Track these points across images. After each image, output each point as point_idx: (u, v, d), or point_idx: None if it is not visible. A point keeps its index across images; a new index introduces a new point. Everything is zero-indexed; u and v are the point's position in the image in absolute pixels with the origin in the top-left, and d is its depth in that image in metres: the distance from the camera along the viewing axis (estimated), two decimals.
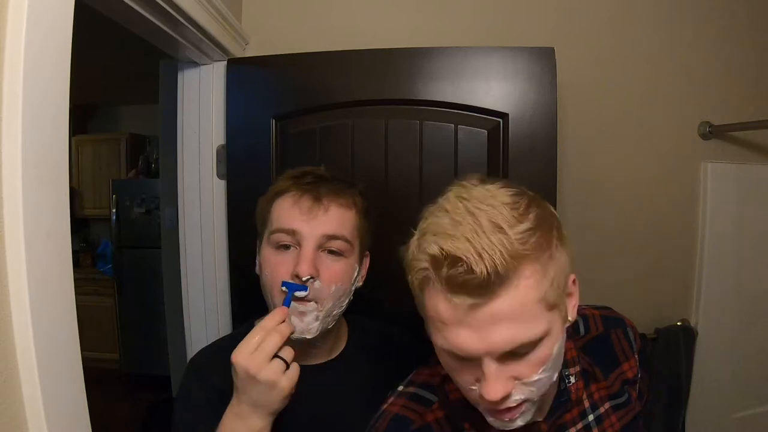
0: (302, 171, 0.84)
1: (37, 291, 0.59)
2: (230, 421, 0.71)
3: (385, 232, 1.26)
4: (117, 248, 3.60)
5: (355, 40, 1.37)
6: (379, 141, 1.25)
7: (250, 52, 1.41)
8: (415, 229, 0.59)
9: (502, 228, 0.51)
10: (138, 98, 3.79)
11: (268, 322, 0.72)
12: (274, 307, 0.77)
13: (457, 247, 0.51)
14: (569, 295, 0.60)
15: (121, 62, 2.84)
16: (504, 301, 0.51)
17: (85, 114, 4.10)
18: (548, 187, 1.20)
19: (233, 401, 0.71)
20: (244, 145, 1.30)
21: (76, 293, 0.68)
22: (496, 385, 0.53)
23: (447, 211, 0.56)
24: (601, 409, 0.70)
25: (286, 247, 0.79)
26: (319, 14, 1.45)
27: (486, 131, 1.24)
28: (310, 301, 0.77)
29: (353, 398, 0.85)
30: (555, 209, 0.62)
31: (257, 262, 0.85)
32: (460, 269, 0.50)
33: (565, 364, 0.67)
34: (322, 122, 1.28)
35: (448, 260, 0.51)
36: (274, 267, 0.79)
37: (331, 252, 0.79)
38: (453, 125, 1.24)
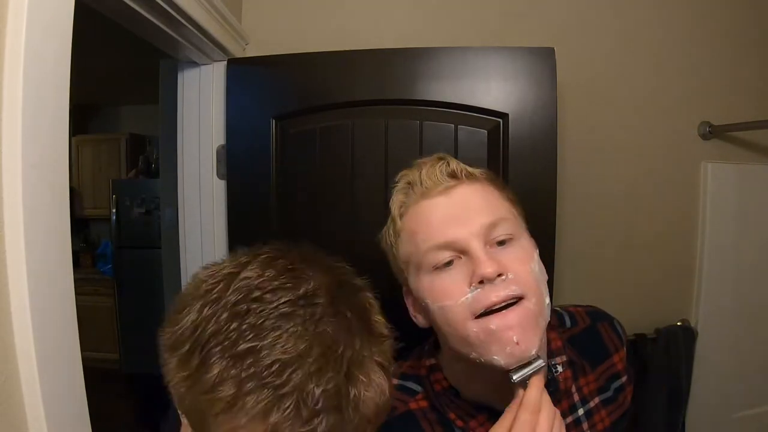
0: None
1: (37, 291, 0.59)
2: None
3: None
4: (117, 248, 3.60)
5: (355, 40, 1.37)
6: (379, 141, 1.25)
7: (250, 52, 1.41)
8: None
9: (456, 162, 0.65)
10: (138, 98, 3.78)
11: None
12: None
13: (430, 159, 0.66)
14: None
15: (121, 62, 2.84)
16: (472, 186, 0.63)
17: (85, 114, 4.10)
18: (548, 187, 1.19)
19: None
20: (244, 145, 1.30)
21: (76, 293, 0.68)
22: (487, 259, 0.57)
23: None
24: (591, 404, 0.70)
25: None
26: (319, 14, 1.45)
27: (486, 131, 1.24)
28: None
29: None
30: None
31: None
32: (434, 163, 0.64)
33: (551, 354, 0.68)
34: (322, 122, 1.28)
35: (424, 165, 0.65)
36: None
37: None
38: (453, 125, 1.24)
